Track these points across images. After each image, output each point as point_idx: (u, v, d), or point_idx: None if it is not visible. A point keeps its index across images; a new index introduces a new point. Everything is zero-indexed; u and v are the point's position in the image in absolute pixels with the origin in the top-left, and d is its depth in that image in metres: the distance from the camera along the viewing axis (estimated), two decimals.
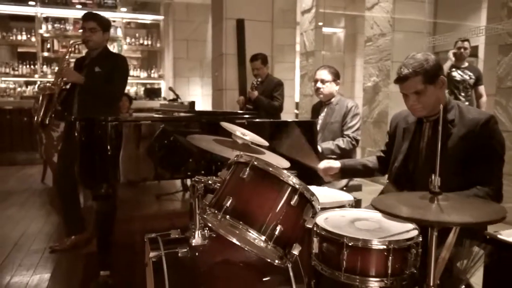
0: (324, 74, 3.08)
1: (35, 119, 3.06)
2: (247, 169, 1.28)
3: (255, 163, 1.29)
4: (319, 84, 3.08)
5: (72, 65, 3.28)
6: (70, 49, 3.12)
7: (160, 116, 2.81)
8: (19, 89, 8.96)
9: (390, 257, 1.31)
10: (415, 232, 1.39)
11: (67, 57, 3.08)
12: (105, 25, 3.08)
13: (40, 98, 3.06)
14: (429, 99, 1.70)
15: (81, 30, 3.09)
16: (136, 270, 2.69)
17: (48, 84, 3.04)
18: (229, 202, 1.24)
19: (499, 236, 1.44)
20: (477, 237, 1.43)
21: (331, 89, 3.09)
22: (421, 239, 1.37)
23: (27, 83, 9.07)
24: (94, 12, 3.14)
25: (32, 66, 8.90)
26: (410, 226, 1.45)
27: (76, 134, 2.24)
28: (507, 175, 3.57)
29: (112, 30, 9.66)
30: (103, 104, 2.93)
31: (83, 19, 3.05)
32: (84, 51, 3.33)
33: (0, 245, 3.15)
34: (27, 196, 4.76)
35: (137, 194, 4.81)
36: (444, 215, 1.10)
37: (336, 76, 3.11)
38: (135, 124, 2.29)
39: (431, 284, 1.23)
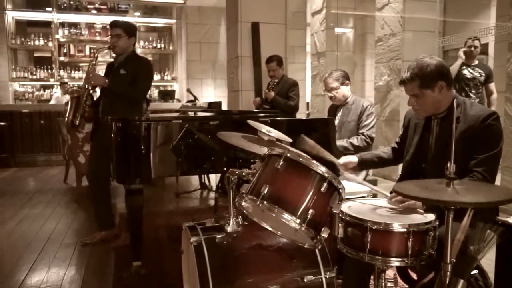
0: (331, 82, 3.19)
1: (66, 120, 3.27)
2: (281, 160, 1.44)
3: (288, 154, 1.44)
4: (330, 93, 3.23)
5: (100, 71, 3.43)
6: (96, 55, 3.28)
7: (189, 116, 2.97)
8: (36, 93, 9.24)
9: (410, 239, 1.44)
10: (433, 217, 1.53)
11: (93, 62, 3.23)
12: (131, 30, 3.23)
13: (69, 101, 3.26)
14: (426, 102, 1.84)
15: (108, 37, 3.24)
16: (165, 260, 2.87)
17: (75, 87, 3.20)
18: (266, 189, 1.39)
19: (510, 220, 1.57)
20: (490, 221, 1.56)
21: (343, 93, 3.21)
22: (438, 223, 1.50)
23: (44, 87, 9.33)
24: (120, 19, 3.31)
25: (48, 70, 9.15)
26: (427, 213, 1.59)
27: (111, 133, 2.41)
28: None
29: None
30: (126, 105, 3.09)
31: (110, 27, 3.23)
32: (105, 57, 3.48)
33: (33, 239, 3.35)
34: (51, 195, 4.96)
35: (158, 193, 5.00)
36: (460, 196, 1.24)
37: (344, 78, 3.20)
38: (166, 124, 2.46)
39: (448, 261, 1.37)
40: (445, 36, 5.70)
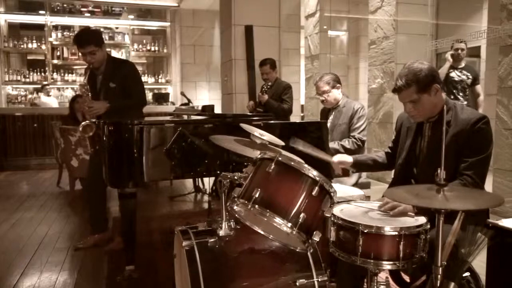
0: (322, 86, 3.20)
1: (88, 148, 3.29)
2: (273, 164, 1.44)
3: (280, 158, 1.44)
4: (322, 97, 3.23)
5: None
6: (86, 87, 3.08)
7: (182, 119, 2.96)
8: (29, 96, 9.16)
9: (402, 242, 1.45)
10: (424, 220, 1.53)
11: (87, 93, 3.06)
12: (100, 40, 3.06)
13: (87, 138, 3.29)
14: (424, 106, 1.84)
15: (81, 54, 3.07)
16: (158, 264, 2.86)
17: (86, 122, 2.95)
18: (257, 193, 1.40)
19: (500, 223, 1.59)
20: (480, 224, 1.57)
21: (334, 96, 3.21)
22: (429, 226, 1.51)
23: (37, 90, 9.25)
24: (83, 33, 3.16)
25: (42, 73, 9.09)
26: (419, 216, 1.59)
27: (104, 137, 2.40)
28: (509, 172, 3.71)
29: (119, 37, 9.93)
30: (132, 109, 3.12)
31: (78, 46, 3.02)
32: None
33: (26, 244, 3.32)
34: (44, 199, 4.93)
35: (151, 196, 4.98)
36: (450, 203, 1.24)
37: (335, 81, 3.21)
38: (159, 127, 2.45)
39: (439, 264, 1.37)
40: (437, 39, 5.75)
